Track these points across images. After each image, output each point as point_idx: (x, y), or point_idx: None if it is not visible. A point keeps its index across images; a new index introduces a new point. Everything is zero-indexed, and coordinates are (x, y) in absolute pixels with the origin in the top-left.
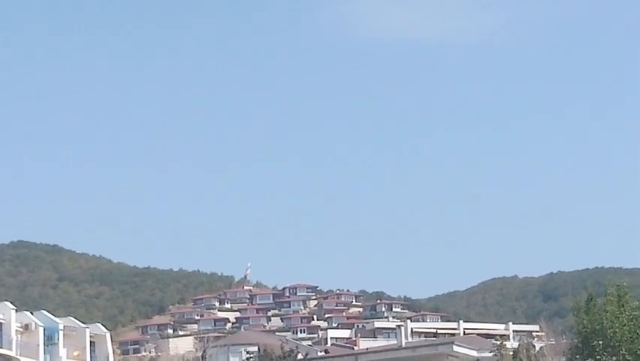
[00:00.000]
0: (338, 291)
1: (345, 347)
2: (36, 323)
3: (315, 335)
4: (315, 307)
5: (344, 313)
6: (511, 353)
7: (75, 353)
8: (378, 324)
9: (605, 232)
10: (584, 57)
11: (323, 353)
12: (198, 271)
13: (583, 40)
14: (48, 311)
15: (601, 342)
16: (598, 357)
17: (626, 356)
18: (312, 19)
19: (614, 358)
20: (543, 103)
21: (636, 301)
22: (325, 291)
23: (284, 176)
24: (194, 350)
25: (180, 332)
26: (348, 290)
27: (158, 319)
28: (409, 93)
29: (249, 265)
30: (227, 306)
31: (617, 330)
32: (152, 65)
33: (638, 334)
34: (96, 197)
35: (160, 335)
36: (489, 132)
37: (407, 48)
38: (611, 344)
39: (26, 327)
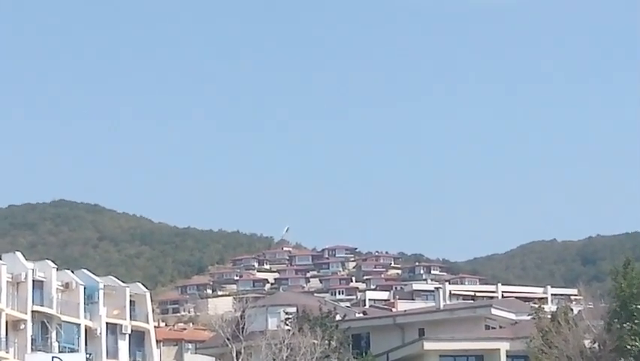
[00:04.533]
0: (377, 253)
1: (383, 308)
2: (76, 282)
3: (354, 297)
4: (354, 269)
5: (382, 275)
6: (549, 316)
7: (115, 312)
8: (416, 286)
9: None
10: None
11: (361, 315)
12: (238, 231)
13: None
14: (88, 270)
15: (639, 306)
16: (636, 321)
17: None
18: None
19: None
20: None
21: None
22: (364, 253)
23: (322, 137)
24: (233, 310)
25: (219, 292)
26: (386, 252)
27: (197, 279)
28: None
29: (287, 227)
30: (266, 267)
31: None
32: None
33: None
34: (137, 157)
35: (199, 294)
36: (535, 89)
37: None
38: None
39: (67, 285)
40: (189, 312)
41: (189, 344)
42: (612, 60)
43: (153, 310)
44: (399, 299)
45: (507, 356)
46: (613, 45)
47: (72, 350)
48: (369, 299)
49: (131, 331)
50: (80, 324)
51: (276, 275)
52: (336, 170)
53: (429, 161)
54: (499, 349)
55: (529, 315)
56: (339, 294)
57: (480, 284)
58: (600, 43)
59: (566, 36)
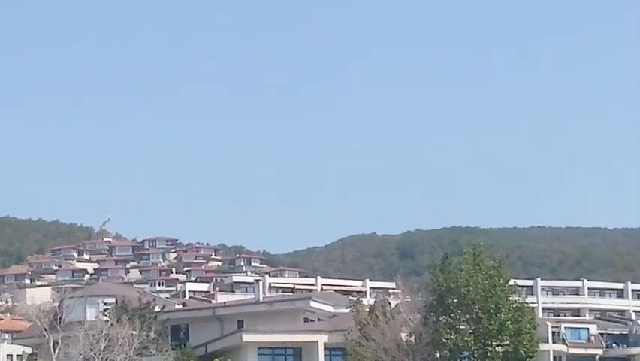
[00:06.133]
0: (197, 244)
1: (202, 300)
2: None
3: (174, 288)
4: (174, 260)
5: (203, 267)
6: (367, 309)
7: None
8: (236, 278)
9: (463, 192)
10: None
11: (180, 306)
12: (58, 221)
13: None
14: None
15: (455, 300)
16: (452, 315)
17: (480, 314)
18: None
19: (467, 316)
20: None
21: (491, 260)
22: (185, 244)
23: (143, 126)
24: (51, 300)
25: (38, 282)
26: (207, 244)
27: (15, 268)
28: None
29: (107, 218)
30: (86, 257)
31: (471, 288)
32: None
33: (492, 293)
34: None
35: (17, 284)
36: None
37: None
38: (465, 302)
39: None
40: (6, 302)
41: (5, 335)
42: None
43: None
44: (219, 291)
45: (325, 348)
46: None
47: None
48: (189, 291)
49: None
50: None
51: (96, 266)
52: (157, 161)
53: (247, 154)
54: (317, 341)
55: (347, 308)
56: (159, 285)
57: (300, 277)
58: None
59: None
